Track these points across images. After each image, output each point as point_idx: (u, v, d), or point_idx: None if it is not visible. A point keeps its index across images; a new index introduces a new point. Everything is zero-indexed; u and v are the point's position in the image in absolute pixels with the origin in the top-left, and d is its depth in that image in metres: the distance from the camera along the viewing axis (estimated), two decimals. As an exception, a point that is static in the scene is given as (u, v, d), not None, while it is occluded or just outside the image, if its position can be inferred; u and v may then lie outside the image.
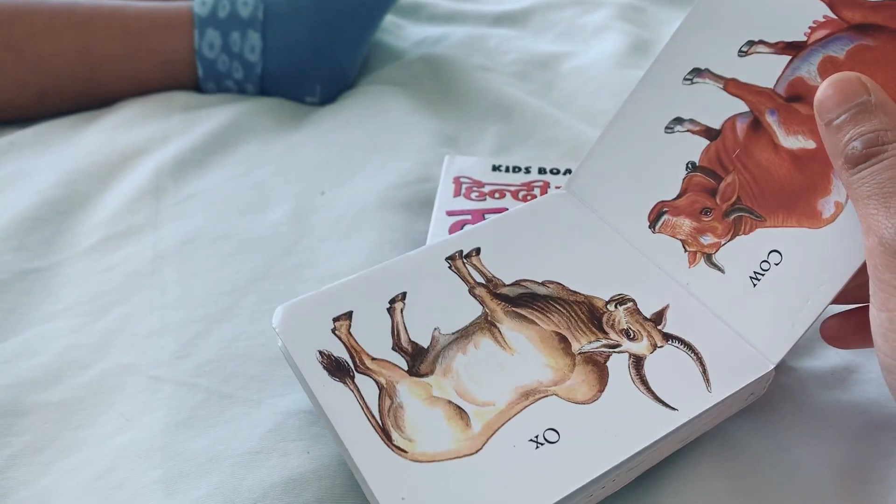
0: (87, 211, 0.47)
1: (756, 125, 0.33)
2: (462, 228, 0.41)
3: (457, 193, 0.44)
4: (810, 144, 0.31)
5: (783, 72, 0.32)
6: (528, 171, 0.46)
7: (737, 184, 0.33)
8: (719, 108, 0.34)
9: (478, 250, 0.36)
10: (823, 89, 0.29)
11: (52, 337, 0.38)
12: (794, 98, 0.32)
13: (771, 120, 0.33)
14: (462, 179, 0.45)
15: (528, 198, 0.44)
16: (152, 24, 0.57)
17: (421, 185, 0.49)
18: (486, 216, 0.42)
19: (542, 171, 0.46)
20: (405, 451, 0.29)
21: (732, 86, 0.34)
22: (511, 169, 0.46)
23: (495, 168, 0.46)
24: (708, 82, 0.35)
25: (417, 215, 0.46)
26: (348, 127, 0.54)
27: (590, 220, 0.37)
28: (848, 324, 0.34)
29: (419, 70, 0.61)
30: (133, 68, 0.57)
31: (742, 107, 0.34)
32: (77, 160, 0.50)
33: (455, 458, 0.28)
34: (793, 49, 0.32)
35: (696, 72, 0.35)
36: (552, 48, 0.67)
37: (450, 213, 0.42)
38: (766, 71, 0.33)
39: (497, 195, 0.44)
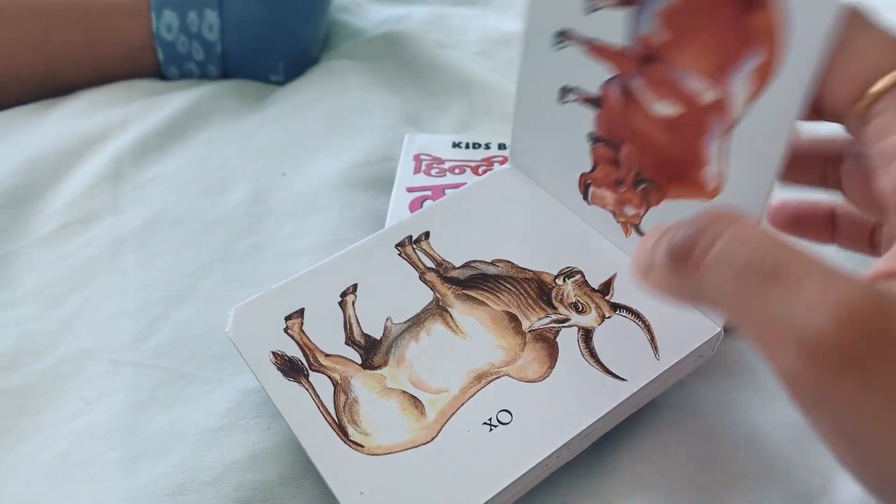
0: (46, 198, 0.46)
1: (627, 91, 0.30)
2: (422, 205, 0.41)
3: (417, 170, 0.44)
4: (678, 110, 0.28)
5: (631, 27, 0.28)
6: (487, 146, 0.46)
7: (634, 153, 0.31)
8: (593, 73, 0.31)
9: (427, 234, 0.36)
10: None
11: (10, 325, 0.38)
12: (649, 58, 0.28)
13: (637, 85, 0.29)
14: (422, 156, 0.45)
15: (489, 173, 0.43)
16: (110, 9, 0.56)
17: (382, 163, 0.49)
18: (447, 192, 0.42)
19: (501, 146, 0.46)
20: (362, 446, 0.29)
21: (593, 49, 0.30)
22: (471, 145, 0.46)
23: (455, 145, 0.46)
24: (574, 46, 0.31)
25: (379, 194, 0.46)
26: (310, 107, 0.54)
27: (535, 193, 0.37)
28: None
29: (381, 48, 0.61)
30: (93, 55, 0.56)
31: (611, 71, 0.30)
32: (35, 148, 0.49)
33: (411, 447, 0.29)
34: (628, 0, 0.28)
35: (561, 35, 0.31)
36: (515, 26, 0.67)
37: (410, 190, 0.42)
38: (618, 28, 0.29)
39: (457, 171, 0.44)
